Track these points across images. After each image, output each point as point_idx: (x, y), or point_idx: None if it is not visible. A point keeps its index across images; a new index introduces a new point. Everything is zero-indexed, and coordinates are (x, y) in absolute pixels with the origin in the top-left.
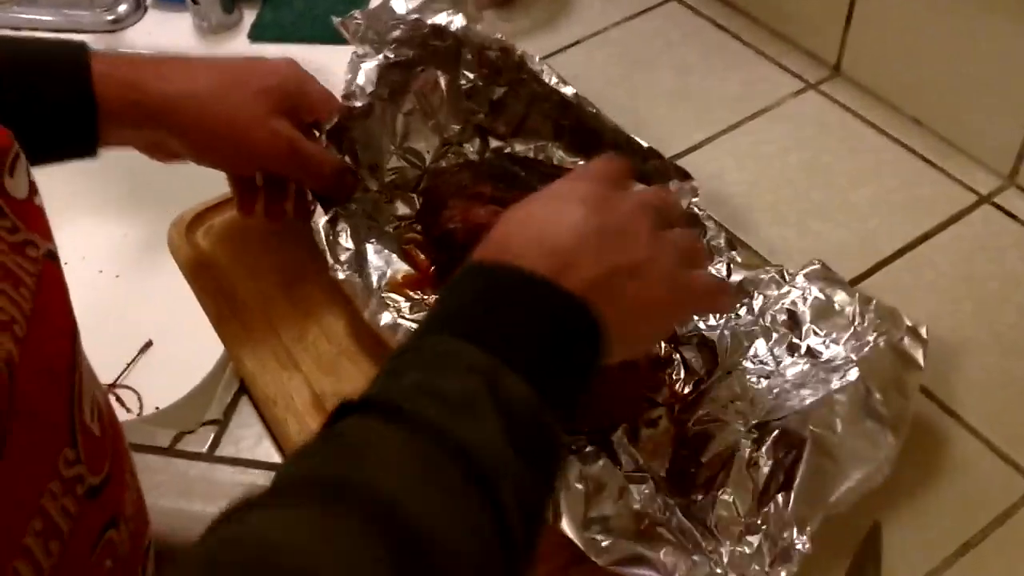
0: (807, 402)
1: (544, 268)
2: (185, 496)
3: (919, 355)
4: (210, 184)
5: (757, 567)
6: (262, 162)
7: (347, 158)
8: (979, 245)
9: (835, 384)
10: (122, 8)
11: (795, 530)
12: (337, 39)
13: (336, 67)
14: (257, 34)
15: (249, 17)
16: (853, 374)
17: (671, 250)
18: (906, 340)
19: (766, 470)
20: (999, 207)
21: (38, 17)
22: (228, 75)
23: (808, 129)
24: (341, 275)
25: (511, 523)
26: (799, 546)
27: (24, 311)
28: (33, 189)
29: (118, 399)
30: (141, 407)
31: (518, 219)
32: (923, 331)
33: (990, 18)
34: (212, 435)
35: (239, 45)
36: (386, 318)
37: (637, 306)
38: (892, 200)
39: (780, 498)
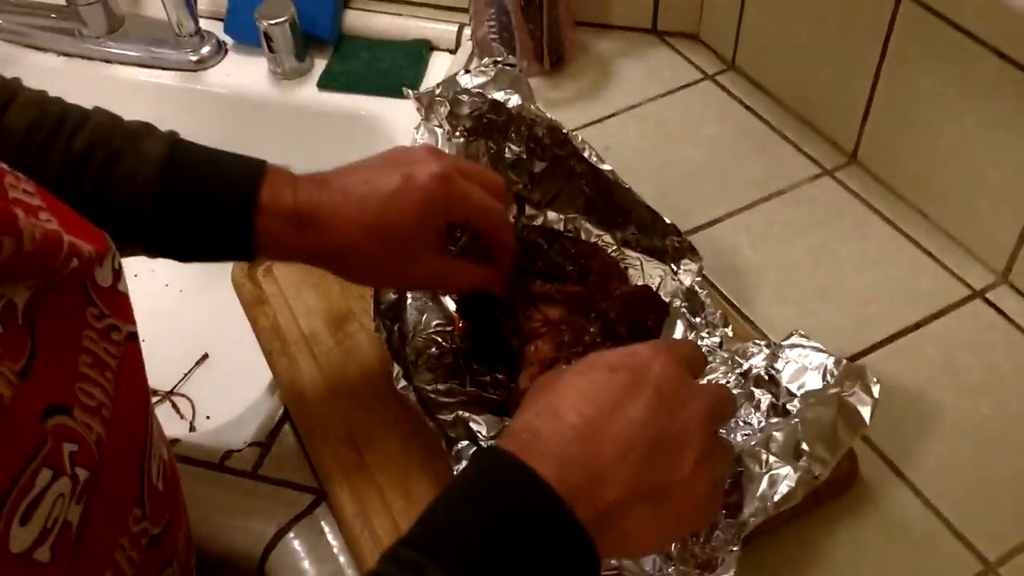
0: (753, 438)
1: (571, 480)
2: (230, 511)
3: (866, 412)
4: None
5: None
6: (418, 289)
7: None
8: (967, 338)
9: (774, 423)
10: (205, 50)
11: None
12: (398, 93)
13: (395, 118)
14: (325, 82)
15: (320, 66)
16: (795, 420)
17: (713, 466)
18: (857, 393)
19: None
20: (990, 303)
21: (127, 52)
22: (375, 222)
23: (820, 213)
24: (375, 330)
25: None
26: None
27: (109, 393)
28: (117, 276)
29: (174, 406)
30: (194, 415)
31: (576, 395)
32: (875, 389)
33: (996, 128)
34: (256, 455)
35: (309, 92)
36: (400, 384)
37: (646, 534)
38: (891, 288)
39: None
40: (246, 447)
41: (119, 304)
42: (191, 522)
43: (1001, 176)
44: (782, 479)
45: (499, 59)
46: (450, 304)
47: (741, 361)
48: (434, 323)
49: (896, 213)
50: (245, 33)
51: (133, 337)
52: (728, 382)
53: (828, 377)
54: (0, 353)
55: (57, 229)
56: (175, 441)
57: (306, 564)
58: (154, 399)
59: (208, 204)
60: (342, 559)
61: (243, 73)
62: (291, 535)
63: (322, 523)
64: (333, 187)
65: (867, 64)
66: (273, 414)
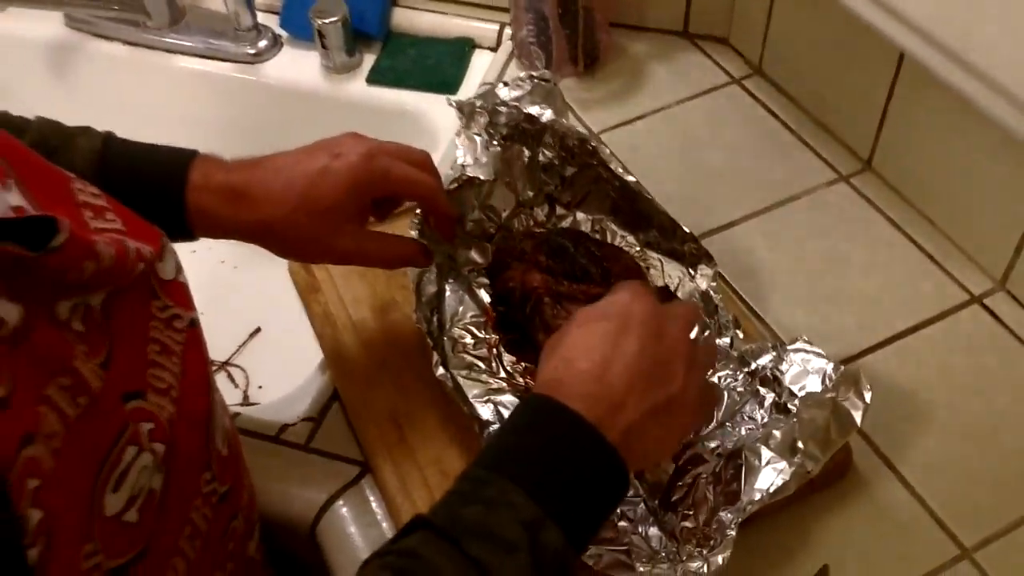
0: (756, 432)
1: (595, 412)
2: (285, 479)
3: (858, 415)
4: None
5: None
6: (341, 263)
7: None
8: (963, 342)
9: (776, 419)
10: (262, 44)
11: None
12: (442, 89)
13: (437, 113)
14: (374, 78)
15: (369, 61)
16: (793, 418)
17: (700, 371)
18: (851, 398)
19: (720, 485)
20: (987, 308)
21: (187, 43)
22: (303, 197)
23: (834, 218)
24: (416, 322)
25: None
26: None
27: (176, 376)
28: (177, 269)
29: (229, 376)
30: (247, 384)
31: (583, 346)
32: (867, 396)
33: (997, 145)
34: (309, 430)
35: (358, 86)
36: (439, 371)
37: (659, 441)
38: (895, 291)
39: (722, 504)
40: (299, 422)
41: (180, 294)
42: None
43: (1001, 189)
44: (778, 473)
45: (535, 74)
46: (485, 297)
47: (750, 361)
48: (469, 315)
49: (904, 219)
50: (299, 28)
51: (194, 323)
52: (737, 379)
53: (827, 381)
54: (87, 351)
55: (123, 237)
56: (236, 415)
57: (352, 529)
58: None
59: (142, 185)
60: (384, 525)
61: (296, 66)
62: (340, 503)
63: (367, 493)
64: (265, 166)
65: (883, 77)
66: (324, 392)
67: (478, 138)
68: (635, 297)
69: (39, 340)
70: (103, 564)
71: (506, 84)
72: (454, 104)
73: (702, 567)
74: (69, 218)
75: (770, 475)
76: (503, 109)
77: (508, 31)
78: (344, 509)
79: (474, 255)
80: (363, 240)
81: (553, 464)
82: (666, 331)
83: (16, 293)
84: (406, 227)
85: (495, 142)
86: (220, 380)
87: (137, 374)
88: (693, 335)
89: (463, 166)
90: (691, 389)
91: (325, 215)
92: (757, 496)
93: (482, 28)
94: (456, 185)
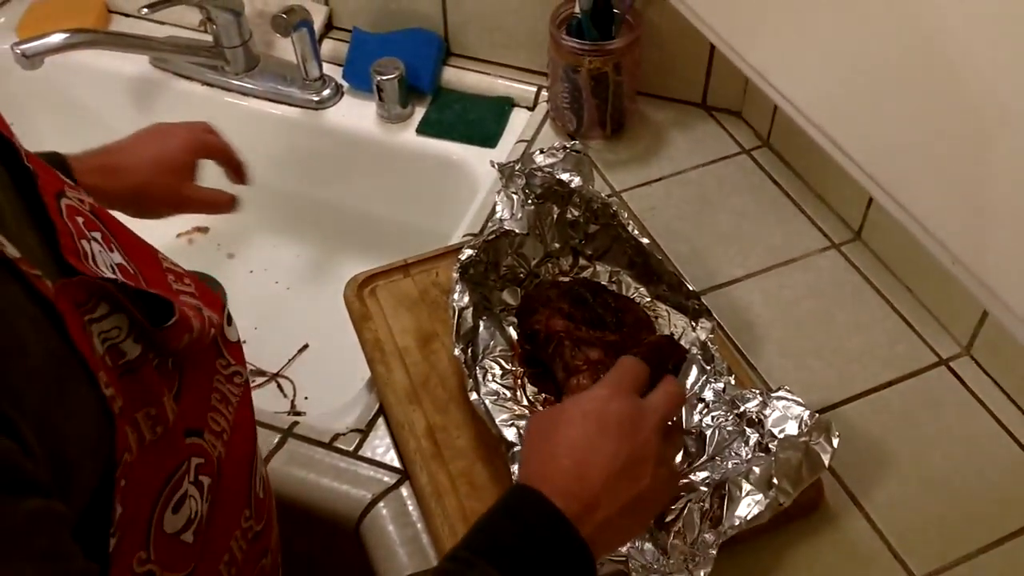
0: (740, 467)
1: (573, 509)
2: (336, 480)
3: (826, 458)
4: (376, 240)
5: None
6: (185, 211)
7: None
8: (928, 399)
9: (758, 457)
10: (326, 92)
11: (708, 548)
12: (483, 142)
13: (478, 164)
14: (422, 129)
15: (419, 113)
16: (772, 457)
17: (668, 465)
18: (821, 443)
19: (706, 511)
20: (952, 371)
21: (259, 87)
22: (158, 162)
23: (824, 282)
24: (456, 352)
25: None
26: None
27: (229, 421)
28: (235, 331)
29: (279, 386)
30: (295, 393)
31: (566, 443)
32: (835, 441)
33: None
34: (357, 439)
35: (409, 135)
36: (473, 396)
37: (625, 531)
38: (874, 350)
39: (707, 527)
40: (348, 432)
41: (240, 354)
42: (299, 492)
43: None
44: (755, 503)
45: (567, 144)
46: (513, 335)
47: (739, 404)
48: (499, 349)
49: (887, 286)
50: (360, 80)
51: (248, 381)
52: (727, 420)
53: (802, 426)
54: (164, 390)
55: (198, 303)
56: (295, 424)
57: (391, 528)
58: (262, 379)
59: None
60: (419, 526)
61: (354, 114)
62: (381, 505)
63: (405, 498)
64: (121, 148)
65: None
66: (371, 407)
67: (515, 196)
68: (615, 394)
69: (144, 375)
70: (158, 575)
71: (542, 152)
72: (496, 166)
73: None
74: (159, 282)
75: (749, 505)
76: (538, 173)
77: (545, 94)
78: (385, 510)
79: (506, 297)
80: (199, 190)
81: (531, 553)
82: (640, 428)
83: (137, 337)
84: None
85: (530, 201)
86: (270, 390)
87: (199, 416)
88: (672, 419)
89: (501, 220)
90: (657, 484)
91: (174, 172)
92: (736, 522)
93: (522, 89)
94: (494, 236)
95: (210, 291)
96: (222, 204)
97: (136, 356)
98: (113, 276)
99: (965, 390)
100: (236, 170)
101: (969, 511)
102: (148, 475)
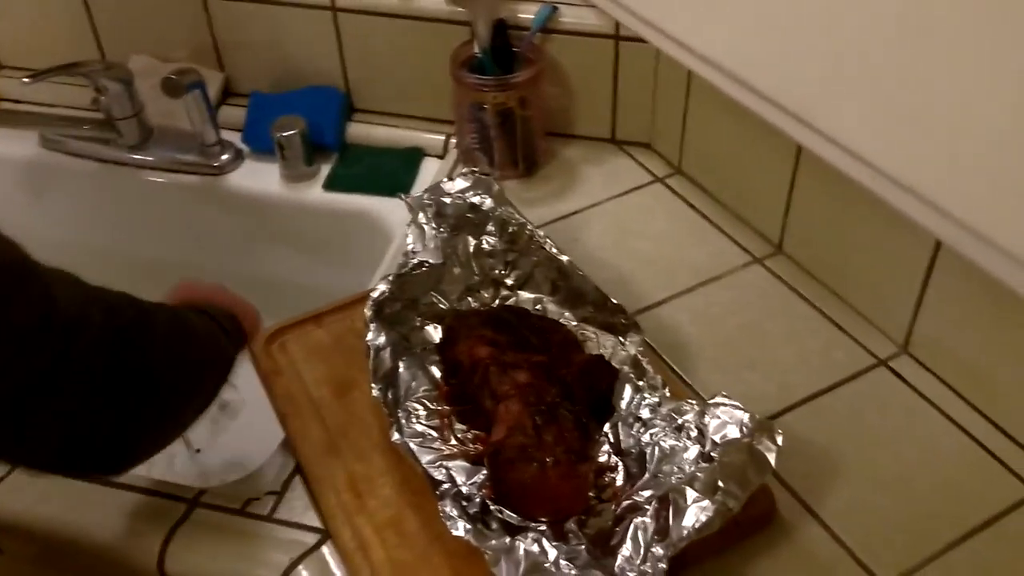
0: (681, 477)
1: None
2: (251, 548)
3: (772, 457)
4: (290, 303)
5: None
6: None
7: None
8: (872, 400)
9: (701, 466)
10: (225, 156)
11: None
12: (396, 192)
13: (391, 214)
14: (330, 184)
15: (324, 170)
16: (715, 463)
17: None
18: (765, 442)
19: (653, 526)
20: (892, 370)
21: (153, 158)
22: None
23: (751, 296)
24: (375, 393)
25: None
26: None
27: None
28: None
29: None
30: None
31: None
32: (779, 439)
33: (895, 227)
34: (272, 502)
35: (315, 192)
36: (395, 437)
37: None
38: (809, 358)
39: (655, 542)
40: (263, 495)
41: None
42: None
43: (895, 263)
44: (703, 510)
45: (476, 169)
46: (436, 373)
47: (676, 418)
48: (422, 389)
49: (815, 295)
50: (261, 142)
51: None
52: (666, 434)
53: (743, 429)
54: None
55: None
56: (202, 492)
57: None
58: None
59: None
60: None
61: (258, 177)
62: (300, 568)
63: (327, 558)
64: None
65: (785, 170)
66: (287, 467)
67: (427, 227)
68: None
69: None
70: None
71: (451, 178)
72: (405, 199)
73: None
74: None
75: (696, 513)
76: (448, 200)
77: (454, 140)
78: (305, 574)
79: (428, 335)
80: None
81: None
82: None
83: None
84: None
85: (442, 229)
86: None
87: None
88: None
89: (413, 252)
90: None
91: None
92: (684, 532)
93: (430, 138)
94: (406, 269)
95: None
96: None
97: None
98: None
99: (908, 388)
100: None
101: (929, 509)
102: None
